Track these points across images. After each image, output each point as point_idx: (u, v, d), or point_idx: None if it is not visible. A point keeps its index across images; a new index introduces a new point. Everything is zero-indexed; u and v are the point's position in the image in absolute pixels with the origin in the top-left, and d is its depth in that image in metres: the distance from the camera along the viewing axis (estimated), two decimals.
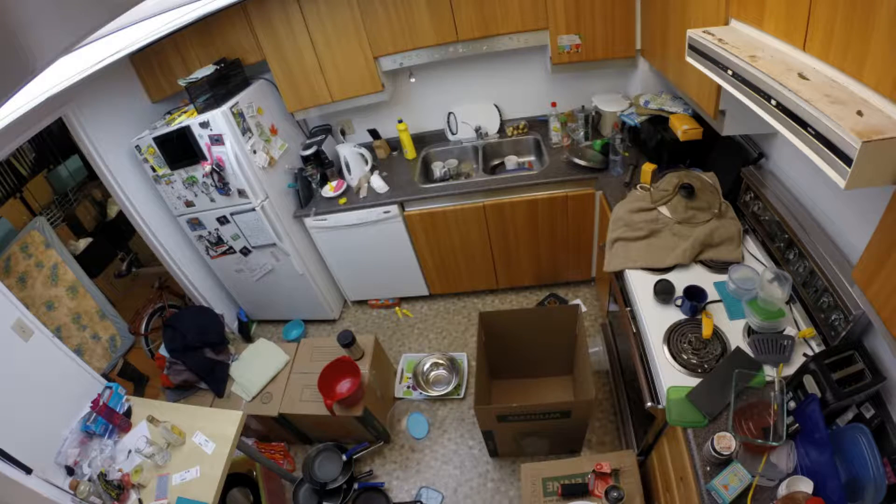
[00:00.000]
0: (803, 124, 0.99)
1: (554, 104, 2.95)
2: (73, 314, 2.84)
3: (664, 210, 2.17)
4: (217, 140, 2.58)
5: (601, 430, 2.50)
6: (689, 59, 1.53)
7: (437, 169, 3.18)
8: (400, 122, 3.08)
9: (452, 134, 3.21)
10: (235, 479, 2.40)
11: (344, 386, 2.54)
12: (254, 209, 2.82)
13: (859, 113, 0.91)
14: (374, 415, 2.50)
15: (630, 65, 2.66)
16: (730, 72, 1.27)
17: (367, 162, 3.10)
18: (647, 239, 2.11)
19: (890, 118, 0.88)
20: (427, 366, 2.98)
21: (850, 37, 0.97)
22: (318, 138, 3.12)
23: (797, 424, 1.36)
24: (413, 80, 2.98)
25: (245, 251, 3.12)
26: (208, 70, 2.60)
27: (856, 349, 1.37)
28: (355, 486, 2.47)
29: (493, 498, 2.37)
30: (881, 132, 0.85)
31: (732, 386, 1.46)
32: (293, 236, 3.08)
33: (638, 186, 2.38)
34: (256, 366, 2.68)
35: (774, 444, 1.32)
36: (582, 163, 2.63)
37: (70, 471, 1.94)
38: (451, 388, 2.83)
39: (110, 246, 4.20)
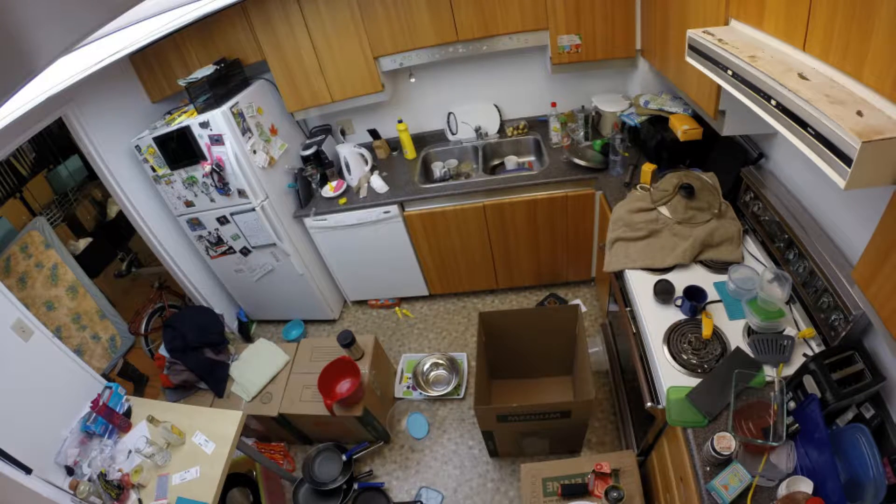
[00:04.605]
0: (803, 124, 0.99)
1: (554, 104, 2.95)
2: (73, 314, 2.84)
3: (664, 210, 2.17)
4: (217, 140, 2.58)
5: (601, 430, 2.50)
6: (688, 60, 1.53)
7: (437, 169, 3.18)
8: (400, 122, 3.08)
9: (452, 134, 3.21)
10: (235, 479, 2.41)
11: (344, 386, 2.54)
12: (254, 209, 2.82)
13: (859, 113, 0.91)
14: (374, 415, 2.50)
15: (630, 65, 2.66)
16: (730, 72, 1.27)
17: (367, 162, 3.10)
18: (647, 239, 2.11)
19: (890, 118, 0.88)
20: (427, 366, 2.98)
21: (850, 37, 0.97)
22: (318, 138, 3.12)
23: (797, 424, 1.36)
24: (413, 80, 2.98)
25: (245, 251, 3.12)
26: (208, 70, 2.60)
27: (856, 349, 1.37)
28: (355, 486, 2.47)
29: (493, 498, 2.37)
30: (881, 132, 0.85)
31: (732, 386, 1.46)
32: (293, 236, 3.08)
33: (638, 186, 2.38)
34: (256, 366, 2.68)
35: (774, 444, 1.32)
36: (582, 163, 2.63)
37: (70, 471, 1.95)
38: (450, 388, 2.83)
39: (110, 246, 4.20)
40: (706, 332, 1.68)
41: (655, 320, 1.81)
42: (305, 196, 3.05)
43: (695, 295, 1.81)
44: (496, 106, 3.13)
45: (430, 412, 2.80)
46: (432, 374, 2.96)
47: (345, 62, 2.72)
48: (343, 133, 3.40)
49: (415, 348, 3.22)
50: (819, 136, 0.95)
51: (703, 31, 1.45)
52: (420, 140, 3.27)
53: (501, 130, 3.18)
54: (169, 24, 2.16)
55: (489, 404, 2.47)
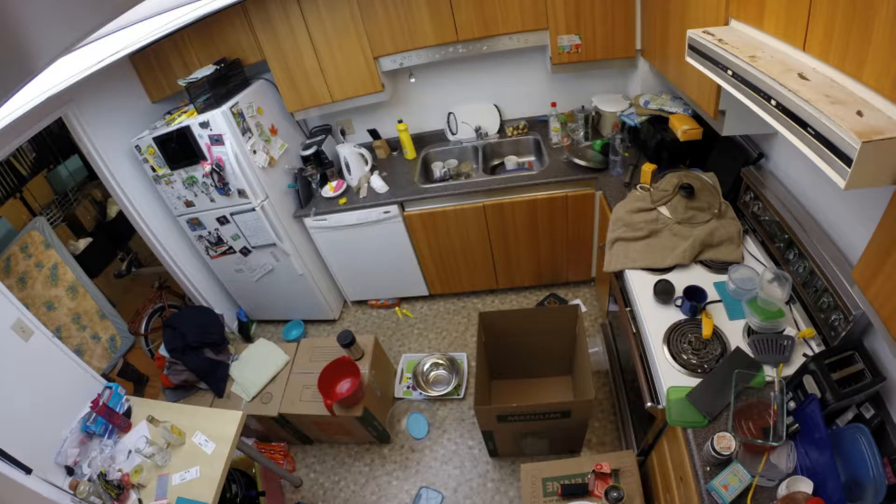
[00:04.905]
0: (803, 124, 0.99)
1: (554, 104, 2.95)
2: (73, 314, 2.84)
3: (664, 210, 2.17)
4: (217, 140, 2.58)
5: (601, 430, 2.50)
6: (688, 60, 1.53)
7: (437, 169, 3.18)
8: (400, 122, 3.08)
9: (452, 134, 3.21)
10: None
11: (344, 386, 2.54)
12: (254, 209, 2.82)
13: (859, 113, 0.91)
14: (374, 415, 2.50)
15: (630, 65, 2.66)
16: (730, 72, 1.27)
17: (367, 162, 3.10)
18: (647, 239, 2.11)
19: (890, 118, 0.88)
20: (427, 366, 2.98)
21: (849, 37, 0.97)
22: (318, 138, 3.12)
23: (797, 424, 1.36)
24: (413, 80, 2.98)
25: (245, 251, 3.12)
26: (208, 70, 2.59)
27: (856, 349, 1.37)
28: None
29: (493, 498, 2.37)
30: (881, 132, 0.85)
31: (732, 386, 1.46)
32: (293, 236, 3.08)
33: (638, 186, 2.38)
34: (256, 366, 2.68)
35: (774, 444, 1.32)
36: (582, 163, 2.63)
37: (70, 471, 1.95)
38: (450, 388, 2.83)
39: (110, 246, 4.20)
40: (706, 332, 1.68)
41: (655, 320, 1.81)
42: (305, 196, 3.05)
43: (695, 295, 1.81)
44: (496, 106, 3.13)
45: (430, 412, 2.80)
46: (432, 374, 2.96)
47: (345, 62, 2.72)
48: (343, 133, 3.40)
49: (415, 348, 3.22)
50: (819, 136, 0.95)
51: (703, 31, 1.45)
52: (420, 140, 3.27)
53: (501, 130, 3.18)
54: (169, 24, 2.16)
55: (489, 404, 2.47)
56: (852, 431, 1.27)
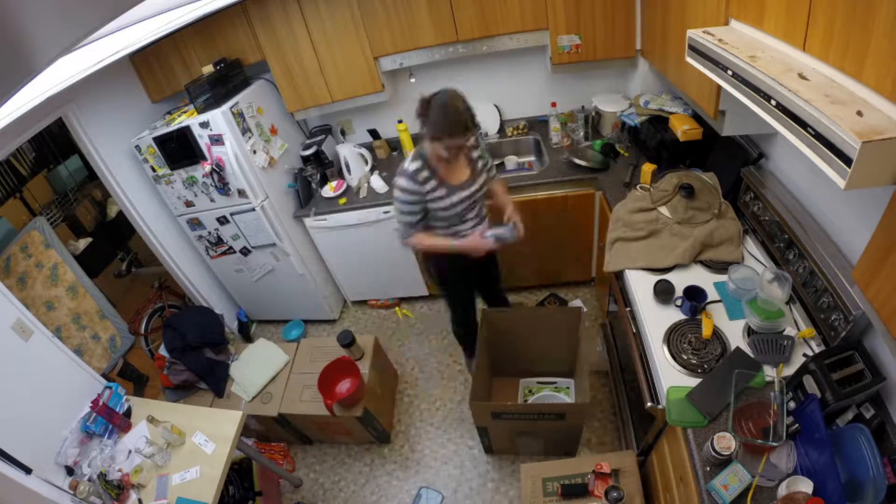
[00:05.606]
0: (803, 124, 0.99)
1: (554, 104, 2.95)
2: (73, 314, 2.84)
3: (664, 210, 2.17)
4: (217, 140, 2.58)
5: (601, 430, 2.50)
6: (688, 60, 1.53)
7: None
8: (400, 122, 3.08)
9: None
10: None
11: (344, 386, 2.54)
12: (254, 209, 2.82)
13: (859, 113, 0.91)
14: (374, 415, 2.50)
15: (630, 65, 2.66)
16: (730, 72, 1.27)
17: (367, 162, 3.10)
18: (647, 239, 2.11)
19: (890, 118, 0.88)
20: None
21: (849, 37, 0.97)
22: (318, 138, 3.12)
23: (797, 424, 1.36)
24: (413, 80, 2.98)
25: (245, 251, 3.12)
26: (208, 70, 2.59)
27: (856, 349, 1.37)
28: None
29: (493, 498, 2.36)
30: (881, 132, 0.85)
31: (732, 386, 1.46)
32: (293, 236, 3.08)
33: (638, 186, 2.38)
34: (256, 366, 2.68)
35: (774, 444, 1.32)
36: (582, 163, 2.63)
37: (70, 471, 1.95)
38: None
39: (110, 246, 4.20)
40: (706, 332, 1.68)
41: (655, 320, 1.81)
42: (305, 196, 3.05)
43: (695, 295, 1.81)
44: (496, 106, 3.13)
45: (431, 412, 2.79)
46: None
47: (345, 62, 2.72)
48: (343, 133, 3.39)
49: (415, 348, 3.22)
50: (819, 136, 0.95)
51: (703, 32, 1.45)
52: (420, 140, 3.26)
53: (501, 130, 3.18)
54: (169, 24, 2.16)
55: (489, 401, 2.47)
56: (852, 431, 1.27)
